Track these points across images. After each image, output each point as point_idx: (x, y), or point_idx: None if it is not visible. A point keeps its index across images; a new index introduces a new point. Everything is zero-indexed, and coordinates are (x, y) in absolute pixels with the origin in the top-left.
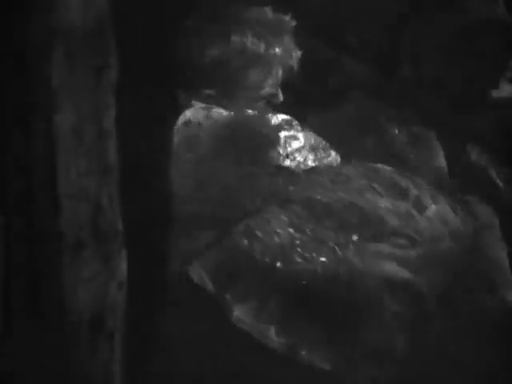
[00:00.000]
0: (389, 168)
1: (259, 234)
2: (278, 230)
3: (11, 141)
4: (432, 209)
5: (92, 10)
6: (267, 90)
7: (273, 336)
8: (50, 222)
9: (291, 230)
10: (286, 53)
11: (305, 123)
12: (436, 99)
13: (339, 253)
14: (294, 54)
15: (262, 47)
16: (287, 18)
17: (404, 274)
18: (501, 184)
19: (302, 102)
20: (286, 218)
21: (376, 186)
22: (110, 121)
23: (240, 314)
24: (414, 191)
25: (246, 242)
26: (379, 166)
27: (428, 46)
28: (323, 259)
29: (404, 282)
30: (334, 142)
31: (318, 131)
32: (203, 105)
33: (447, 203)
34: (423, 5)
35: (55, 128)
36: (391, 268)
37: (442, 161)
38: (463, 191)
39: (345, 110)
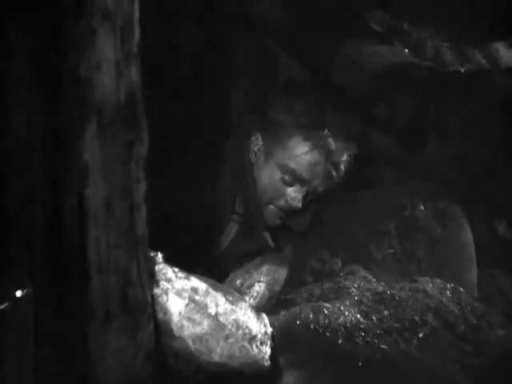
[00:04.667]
0: (463, 290)
1: (326, 311)
2: (346, 313)
3: (43, 213)
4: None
5: (124, 86)
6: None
7: None
8: (79, 294)
9: (358, 316)
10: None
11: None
12: (462, 173)
13: (402, 345)
14: None
15: None
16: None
17: (465, 381)
18: None
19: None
20: (355, 306)
21: (445, 300)
22: (140, 194)
23: (290, 381)
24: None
25: (311, 314)
26: (455, 285)
27: (454, 120)
28: (384, 347)
29: None
30: (360, 218)
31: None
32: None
33: None
34: (451, 79)
35: (86, 201)
36: (452, 372)
37: (469, 235)
38: (491, 265)
39: (371, 183)
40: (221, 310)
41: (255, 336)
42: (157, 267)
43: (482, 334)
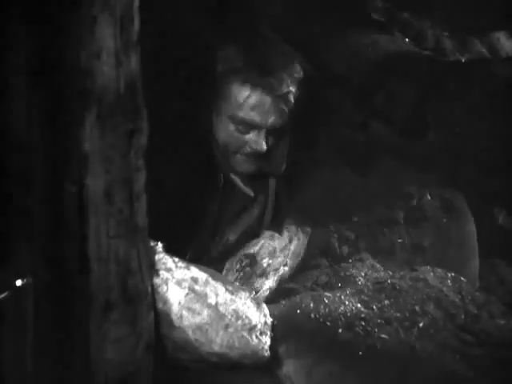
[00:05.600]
0: (464, 280)
1: (326, 300)
2: (346, 302)
3: (43, 203)
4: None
5: (124, 75)
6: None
7: None
8: (80, 284)
9: (358, 305)
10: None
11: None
12: (462, 163)
13: (402, 334)
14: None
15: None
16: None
17: (465, 371)
18: None
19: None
20: (356, 295)
21: (446, 289)
22: (140, 184)
23: (290, 370)
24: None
25: (312, 303)
26: (457, 275)
27: (455, 109)
28: (384, 336)
29: (463, 380)
30: (363, 208)
31: (347, 197)
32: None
33: None
34: (451, 69)
35: (86, 191)
36: (453, 362)
37: (472, 225)
38: (491, 255)
39: (373, 173)
40: (221, 299)
41: (255, 326)
42: (157, 257)
43: (482, 323)
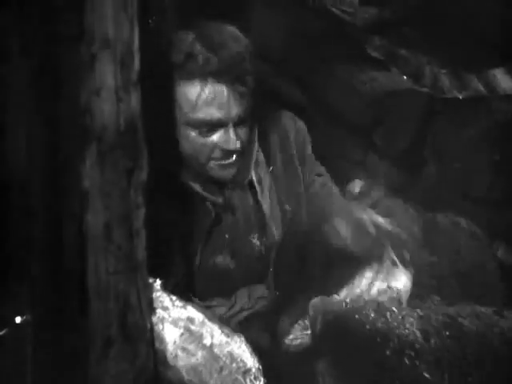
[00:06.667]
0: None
1: (389, 316)
2: (407, 325)
3: (43, 239)
4: None
5: (124, 113)
6: None
7: None
8: (79, 320)
9: (418, 333)
10: None
11: None
12: (461, 196)
13: (446, 381)
14: None
15: None
16: None
17: None
18: None
19: None
20: (421, 320)
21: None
22: (139, 220)
23: (324, 367)
24: None
25: (373, 314)
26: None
27: (453, 145)
28: (427, 376)
29: None
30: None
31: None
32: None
33: None
34: (449, 104)
35: (86, 228)
36: None
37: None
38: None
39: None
40: (216, 341)
41: (249, 370)
42: (154, 295)
43: None
